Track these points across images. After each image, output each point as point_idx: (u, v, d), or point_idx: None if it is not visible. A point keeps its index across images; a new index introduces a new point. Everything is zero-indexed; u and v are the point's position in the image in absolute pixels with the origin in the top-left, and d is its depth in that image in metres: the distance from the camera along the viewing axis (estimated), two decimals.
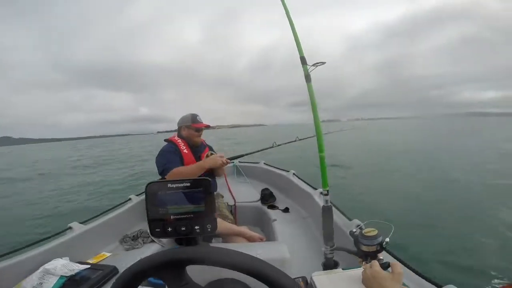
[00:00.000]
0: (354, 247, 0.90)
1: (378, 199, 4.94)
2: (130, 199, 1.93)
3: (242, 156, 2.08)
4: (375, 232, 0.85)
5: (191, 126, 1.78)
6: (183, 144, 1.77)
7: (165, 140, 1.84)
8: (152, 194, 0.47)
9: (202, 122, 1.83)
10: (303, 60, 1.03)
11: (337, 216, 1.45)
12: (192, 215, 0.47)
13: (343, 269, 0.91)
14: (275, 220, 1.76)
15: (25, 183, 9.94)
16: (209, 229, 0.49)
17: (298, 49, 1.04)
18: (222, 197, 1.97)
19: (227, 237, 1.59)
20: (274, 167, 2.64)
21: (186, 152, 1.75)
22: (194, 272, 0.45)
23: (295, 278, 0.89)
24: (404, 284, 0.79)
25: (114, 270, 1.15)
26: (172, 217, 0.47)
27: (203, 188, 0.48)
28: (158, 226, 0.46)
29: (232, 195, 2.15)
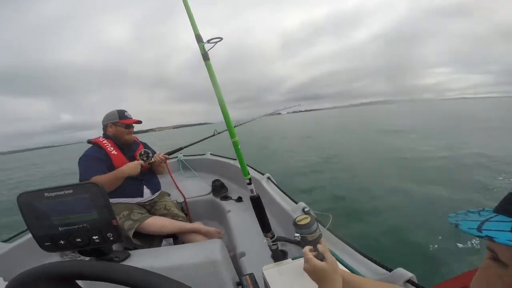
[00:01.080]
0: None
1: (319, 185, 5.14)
2: None
3: (181, 148, 1.95)
4: (308, 220, 0.79)
5: (119, 122, 1.57)
6: (110, 145, 1.55)
7: (89, 142, 1.57)
8: (26, 206, 0.41)
9: (131, 118, 1.63)
10: (198, 38, 0.96)
11: (282, 200, 1.49)
12: (86, 225, 0.44)
13: (292, 259, 0.91)
14: (229, 211, 1.73)
15: None
16: (111, 238, 0.47)
17: (192, 27, 0.97)
18: (169, 195, 1.83)
19: (182, 236, 1.48)
20: (222, 156, 2.58)
21: (115, 153, 1.53)
22: None
23: (243, 276, 0.87)
24: (353, 270, 0.85)
25: None
26: (60, 229, 0.43)
27: (89, 194, 0.43)
28: (46, 240, 0.43)
29: (181, 192, 2.03)
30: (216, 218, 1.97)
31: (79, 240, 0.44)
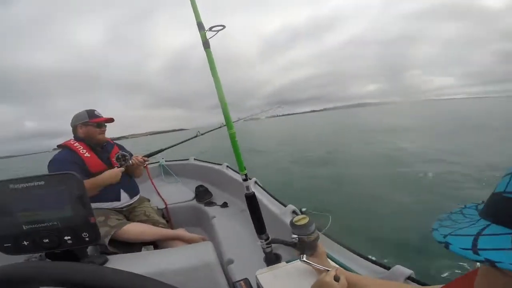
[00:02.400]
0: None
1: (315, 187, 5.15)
2: None
3: (161, 150, 1.84)
4: (306, 220, 0.76)
5: (89, 122, 1.45)
6: (82, 148, 1.42)
7: (58, 146, 1.44)
8: None
9: (102, 116, 1.51)
10: (200, 26, 0.92)
11: (270, 203, 1.46)
12: (57, 223, 0.37)
13: (286, 262, 0.87)
14: (214, 217, 1.67)
15: None
16: (87, 239, 0.40)
17: (195, 14, 0.94)
18: (149, 201, 1.72)
19: (163, 244, 1.38)
20: (206, 161, 2.51)
21: (89, 155, 1.41)
22: None
23: (236, 281, 0.83)
24: (351, 269, 0.84)
25: None
26: (25, 227, 0.36)
27: (64, 187, 0.37)
28: (7, 240, 0.35)
29: (162, 197, 1.94)
30: (200, 225, 1.89)
31: (46, 241, 0.36)
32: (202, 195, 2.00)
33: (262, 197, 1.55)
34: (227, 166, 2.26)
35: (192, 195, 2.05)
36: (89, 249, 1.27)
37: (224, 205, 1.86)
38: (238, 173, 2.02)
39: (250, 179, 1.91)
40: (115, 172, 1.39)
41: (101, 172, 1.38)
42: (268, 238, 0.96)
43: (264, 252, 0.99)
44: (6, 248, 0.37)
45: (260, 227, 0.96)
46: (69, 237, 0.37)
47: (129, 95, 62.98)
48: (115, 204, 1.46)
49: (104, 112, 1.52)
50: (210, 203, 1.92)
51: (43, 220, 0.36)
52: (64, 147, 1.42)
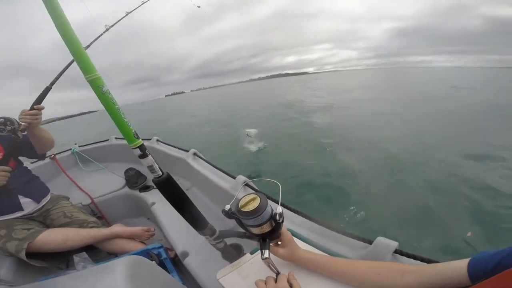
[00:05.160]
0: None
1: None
2: None
3: (48, 89, 1.16)
4: (257, 202, 0.54)
5: None
6: None
7: None
8: None
9: None
10: None
11: (219, 177, 1.32)
12: None
13: (250, 253, 0.73)
14: (154, 203, 1.51)
15: None
16: None
17: None
18: (67, 198, 1.46)
19: (102, 245, 1.24)
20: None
21: None
22: None
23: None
24: (330, 252, 0.71)
25: None
26: None
27: None
28: None
29: (84, 191, 1.68)
30: (142, 214, 1.74)
31: None
32: (134, 179, 1.80)
33: (207, 172, 1.43)
34: (157, 140, 2.02)
35: (122, 181, 1.83)
36: (6, 265, 1.05)
37: None
38: (173, 146, 1.85)
39: (187, 151, 1.73)
40: None
41: None
42: (214, 232, 0.74)
43: (218, 249, 0.79)
44: None
45: (196, 220, 0.71)
46: None
47: (13, 79, 42.09)
48: (19, 214, 1.20)
49: None
50: (146, 188, 1.76)
51: None
52: None
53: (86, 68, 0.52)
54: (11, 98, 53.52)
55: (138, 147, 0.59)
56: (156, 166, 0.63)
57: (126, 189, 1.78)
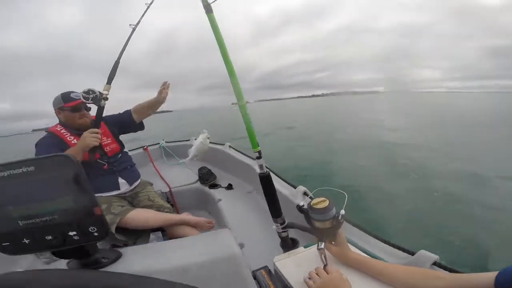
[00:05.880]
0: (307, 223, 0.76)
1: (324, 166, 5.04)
2: None
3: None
4: (326, 203, 0.68)
5: (64, 107, 1.31)
6: (69, 134, 1.31)
7: (46, 131, 1.34)
8: None
9: (78, 99, 1.31)
10: None
11: (280, 185, 1.39)
12: (56, 217, 0.31)
13: (304, 247, 0.82)
14: (220, 200, 1.63)
15: None
16: (95, 234, 0.33)
17: None
18: (151, 185, 1.65)
19: (170, 230, 1.35)
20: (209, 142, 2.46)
21: (76, 142, 1.27)
22: None
23: (256, 270, 0.76)
24: (375, 257, 0.80)
25: None
26: (20, 223, 0.30)
27: (58, 172, 0.30)
28: (4, 239, 0.31)
29: (165, 181, 1.88)
30: (205, 208, 1.85)
31: (49, 238, 0.31)
32: (206, 177, 1.94)
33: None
34: (230, 146, 2.19)
35: (196, 177, 1.99)
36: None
37: (229, 187, 1.82)
38: (242, 153, 1.99)
39: (254, 159, 1.86)
40: (73, 148, 1.18)
41: (87, 162, 1.26)
42: (284, 222, 0.90)
43: (280, 237, 0.93)
44: (5, 248, 0.32)
45: (275, 210, 0.89)
46: (74, 233, 0.32)
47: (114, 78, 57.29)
48: (115, 193, 1.40)
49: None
50: (215, 185, 1.88)
51: (40, 214, 0.30)
52: (48, 132, 1.32)
53: (239, 96, 0.82)
54: (114, 95, 67.14)
55: (257, 151, 0.87)
56: (264, 165, 0.88)
57: (198, 184, 1.93)
